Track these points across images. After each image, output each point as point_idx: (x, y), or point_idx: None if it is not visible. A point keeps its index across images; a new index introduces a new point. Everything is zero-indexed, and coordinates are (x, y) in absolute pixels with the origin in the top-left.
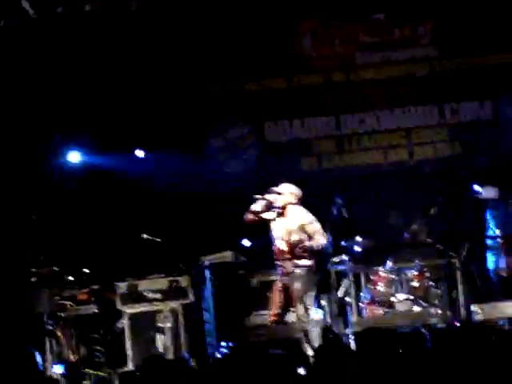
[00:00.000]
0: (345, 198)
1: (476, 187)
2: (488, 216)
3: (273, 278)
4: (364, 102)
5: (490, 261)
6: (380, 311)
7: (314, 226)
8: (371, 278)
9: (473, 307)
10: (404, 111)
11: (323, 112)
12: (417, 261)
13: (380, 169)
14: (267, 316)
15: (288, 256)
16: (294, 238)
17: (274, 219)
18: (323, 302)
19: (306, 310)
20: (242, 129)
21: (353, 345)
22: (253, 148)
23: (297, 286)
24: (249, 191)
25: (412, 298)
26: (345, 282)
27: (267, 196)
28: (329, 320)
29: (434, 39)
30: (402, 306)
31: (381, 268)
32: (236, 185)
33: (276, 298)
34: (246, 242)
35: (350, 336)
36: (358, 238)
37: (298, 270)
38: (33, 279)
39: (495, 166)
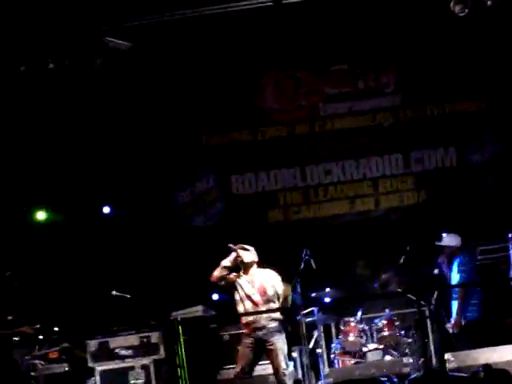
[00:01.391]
0: (312, 249)
1: (444, 236)
2: (454, 264)
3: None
4: (329, 152)
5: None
6: (351, 362)
7: (281, 285)
8: (342, 328)
9: (446, 355)
10: (369, 161)
11: (289, 164)
12: (387, 310)
13: (347, 219)
14: (234, 370)
15: (261, 311)
16: (269, 293)
17: (239, 277)
18: (294, 354)
19: (285, 363)
20: (208, 182)
21: None
22: (219, 201)
23: (275, 339)
24: (216, 245)
25: (383, 347)
26: (315, 334)
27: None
28: (300, 372)
29: (398, 88)
30: (373, 356)
31: (351, 318)
32: (203, 239)
33: (246, 353)
34: (216, 296)
35: None
36: (328, 289)
37: (272, 324)
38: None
39: (461, 212)
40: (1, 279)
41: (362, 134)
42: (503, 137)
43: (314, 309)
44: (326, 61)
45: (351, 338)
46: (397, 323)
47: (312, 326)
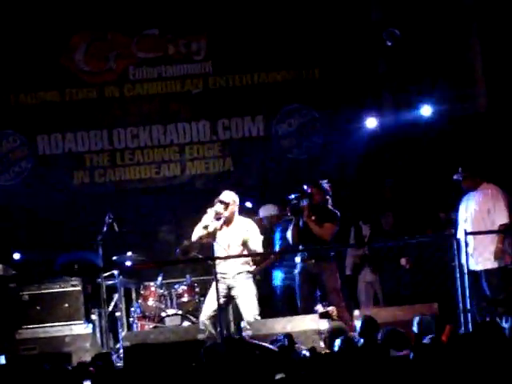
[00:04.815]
0: (117, 212)
1: (248, 204)
2: (276, 233)
3: (44, 291)
4: (137, 116)
5: (276, 277)
6: (150, 326)
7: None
8: (142, 292)
9: (242, 323)
10: (177, 127)
11: (96, 126)
12: (187, 276)
13: (152, 184)
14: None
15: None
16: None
17: (221, 228)
18: (94, 317)
19: None
20: (15, 141)
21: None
22: (25, 160)
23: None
24: (21, 204)
25: (181, 313)
26: (115, 297)
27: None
28: (98, 335)
29: (208, 55)
30: (171, 321)
31: (151, 283)
32: (10, 197)
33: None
34: (17, 256)
35: (120, 351)
36: (129, 253)
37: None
38: None
39: (266, 182)
40: None
41: (171, 99)
42: (310, 108)
43: (115, 272)
44: (137, 24)
45: (150, 302)
46: (197, 289)
47: (112, 289)
